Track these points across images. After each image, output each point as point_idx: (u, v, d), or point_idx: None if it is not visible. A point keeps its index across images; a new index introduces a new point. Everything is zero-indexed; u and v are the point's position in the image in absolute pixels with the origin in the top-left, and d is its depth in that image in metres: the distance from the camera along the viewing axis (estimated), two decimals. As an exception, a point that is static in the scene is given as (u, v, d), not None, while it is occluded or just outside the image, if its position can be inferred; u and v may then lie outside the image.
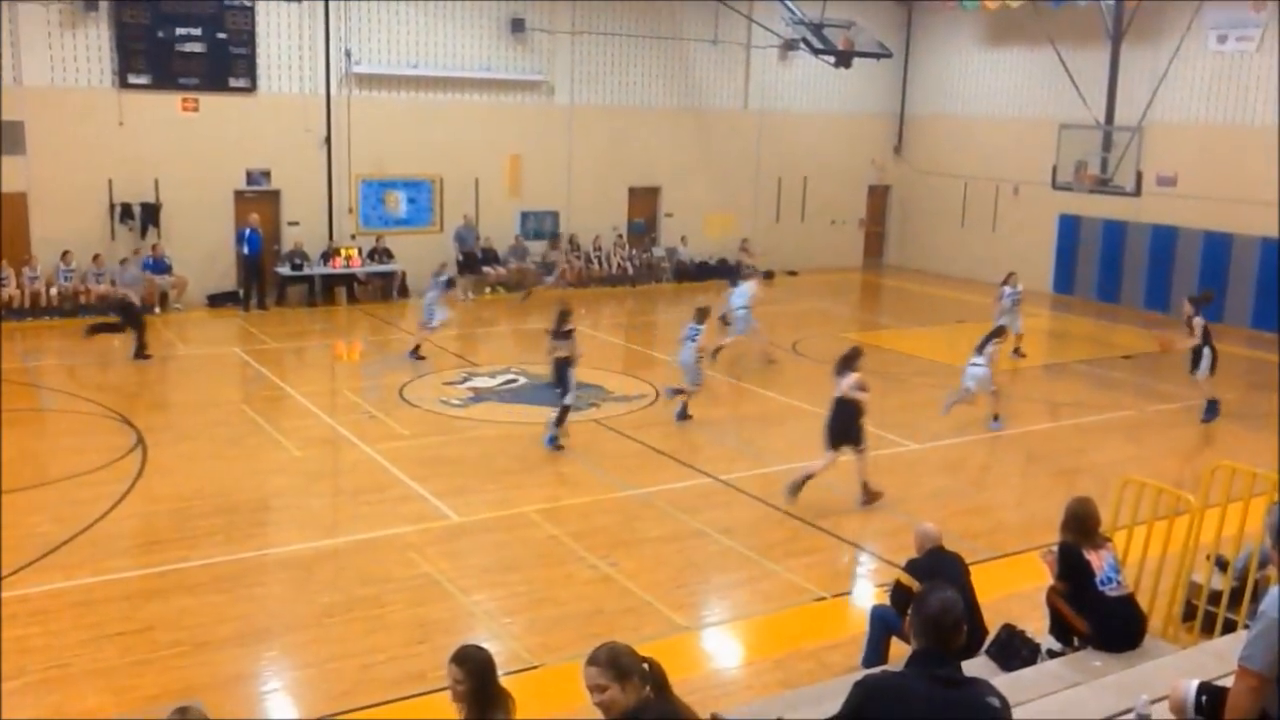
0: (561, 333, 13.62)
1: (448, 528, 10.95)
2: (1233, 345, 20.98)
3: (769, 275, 22.11)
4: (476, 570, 10.02)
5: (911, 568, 7.81)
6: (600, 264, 25.90)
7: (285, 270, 22.29)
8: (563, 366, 13.59)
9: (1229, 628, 7.93)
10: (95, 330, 17.90)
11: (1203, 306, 15.81)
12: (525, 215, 25.41)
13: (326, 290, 22.79)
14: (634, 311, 24.10)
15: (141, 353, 17.60)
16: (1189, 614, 8.46)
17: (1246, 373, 19.19)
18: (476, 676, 4.78)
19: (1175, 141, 23.73)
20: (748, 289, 18.64)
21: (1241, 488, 8.19)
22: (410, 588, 9.51)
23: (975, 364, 14.91)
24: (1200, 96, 23.64)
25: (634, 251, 26.41)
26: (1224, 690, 4.68)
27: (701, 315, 15.09)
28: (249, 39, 21.80)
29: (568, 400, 13.64)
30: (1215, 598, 8.23)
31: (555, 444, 13.54)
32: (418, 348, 18.19)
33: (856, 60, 24.65)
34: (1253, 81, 22.78)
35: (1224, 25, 23.06)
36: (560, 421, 13.65)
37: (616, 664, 4.38)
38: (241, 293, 21.85)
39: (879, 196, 30.92)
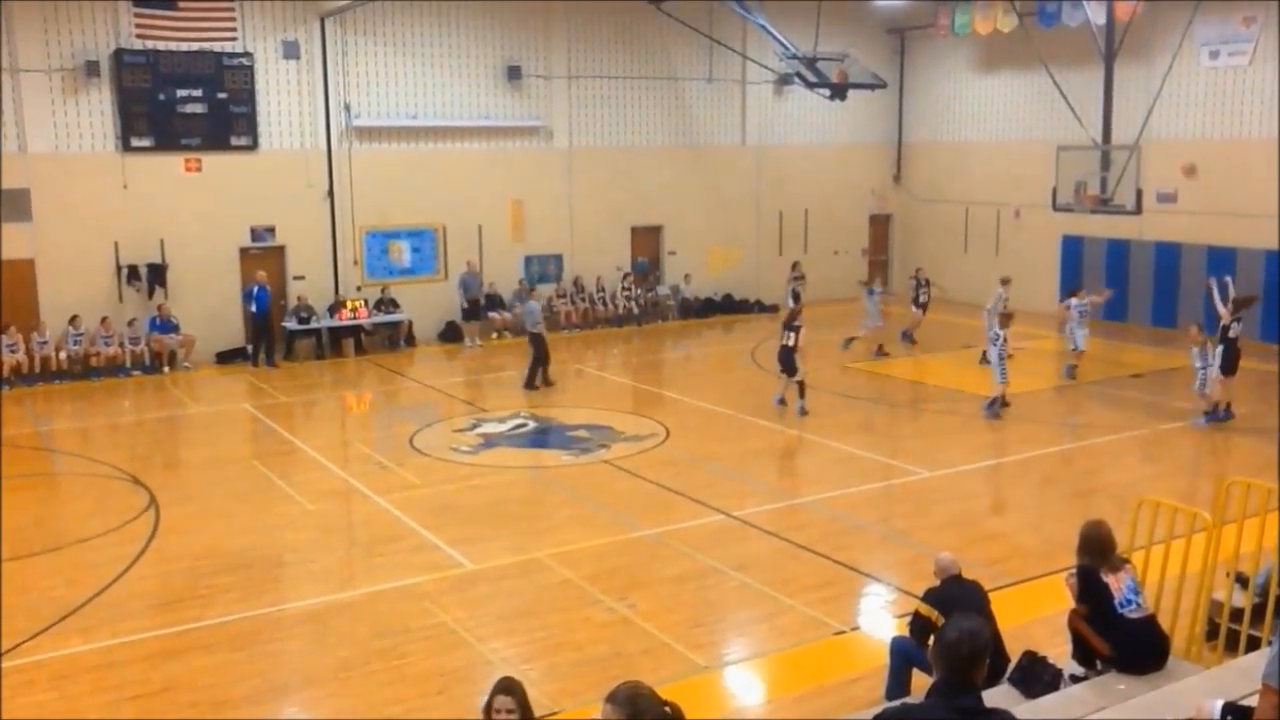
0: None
1: (462, 576, 10.92)
2: (1241, 358, 20.93)
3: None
4: (493, 618, 9.98)
5: (930, 597, 7.78)
6: (605, 304, 25.95)
7: (292, 324, 22.39)
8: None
9: (1253, 645, 7.86)
10: None
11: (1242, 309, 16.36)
12: (529, 259, 25.52)
13: (334, 343, 22.87)
14: (641, 351, 24.12)
15: None
16: (1212, 633, 8.37)
17: (1258, 385, 19.11)
18: (525, 706, 4.79)
19: (1173, 158, 23.78)
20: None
21: (1257, 503, 8.14)
22: (427, 638, 9.48)
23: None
24: (1195, 112, 23.73)
25: (638, 291, 26.48)
26: (1249, 709, 4.64)
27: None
28: (249, 97, 22.03)
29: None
30: (1237, 615, 8.16)
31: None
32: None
33: (852, 91, 24.76)
34: (1247, 95, 22.88)
35: (1215, 41, 23.19)
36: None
37: (634, 704, 4.35)
38: (250, 349, 21.93)
39: (880, 225, 30.99)
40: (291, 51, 22.41)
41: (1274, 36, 22.21)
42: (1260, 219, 22.33)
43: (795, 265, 25.79)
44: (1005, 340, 17.11)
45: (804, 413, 17.14)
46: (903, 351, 22.46)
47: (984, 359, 19.14)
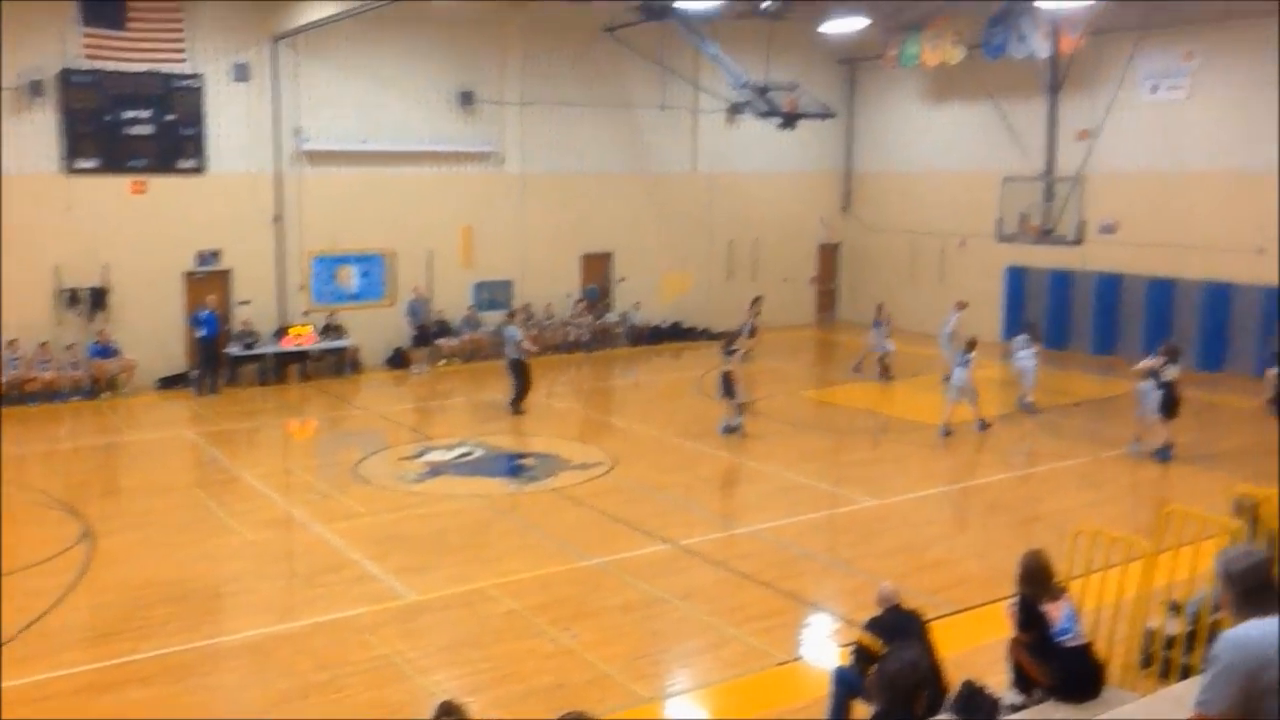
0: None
1: (405, 607, 10.79)
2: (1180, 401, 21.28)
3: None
4: (435, 649, 9.87)
5: (872, 627, 7.80)
6: (556, 331, 25.89)
7: (237, 350, 22.12)
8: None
9: (1186, 672, 7.95)
10: None
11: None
12: (479, 286, 25.44)
13: (279, 369, 22.61)
14: (590, 378, 24.10)
15: None
16: (1147, 660, 8.47)
17: (1194, 413, 19.43)
18: None
19: (1115, 190, 24.23)
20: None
21: (1193, 531, 8.25)
22: (368, 670, 9.35)
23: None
24: (1137, 145, 24.17)
25: (588, 318, 26.46)
26: (1180, 739, 4.68)
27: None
28: (197, 119, 21.82)
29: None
30: (1172, 643, 8.26)
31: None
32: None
33: (802, 120, 25.02)
34: (1185, 129, 23.36)
35: (1156, 75, 23.68)
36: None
37: None
38: (195, 375, 21.61)
39: (829, 253, 31.26)
40: (242, 74, 22.25)
41: (1213, 71, 22.74)
42: (1198, 250, 22.81)
43: (756, 300, 25.75)
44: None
45: (732, 431, 17.53)
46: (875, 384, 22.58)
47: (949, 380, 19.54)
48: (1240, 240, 22.25)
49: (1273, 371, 19.20)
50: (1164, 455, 16.09)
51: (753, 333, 23.35)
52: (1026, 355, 19.71)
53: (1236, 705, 4.37)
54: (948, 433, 17.57)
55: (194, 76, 21.70)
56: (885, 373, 22.55)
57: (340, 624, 10.35)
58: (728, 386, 17.63)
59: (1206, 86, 22.92)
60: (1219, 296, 22.75)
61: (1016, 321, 26.11)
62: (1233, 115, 22.53)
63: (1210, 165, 22.87)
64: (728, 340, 18.28)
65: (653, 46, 25.29)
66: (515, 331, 20.00)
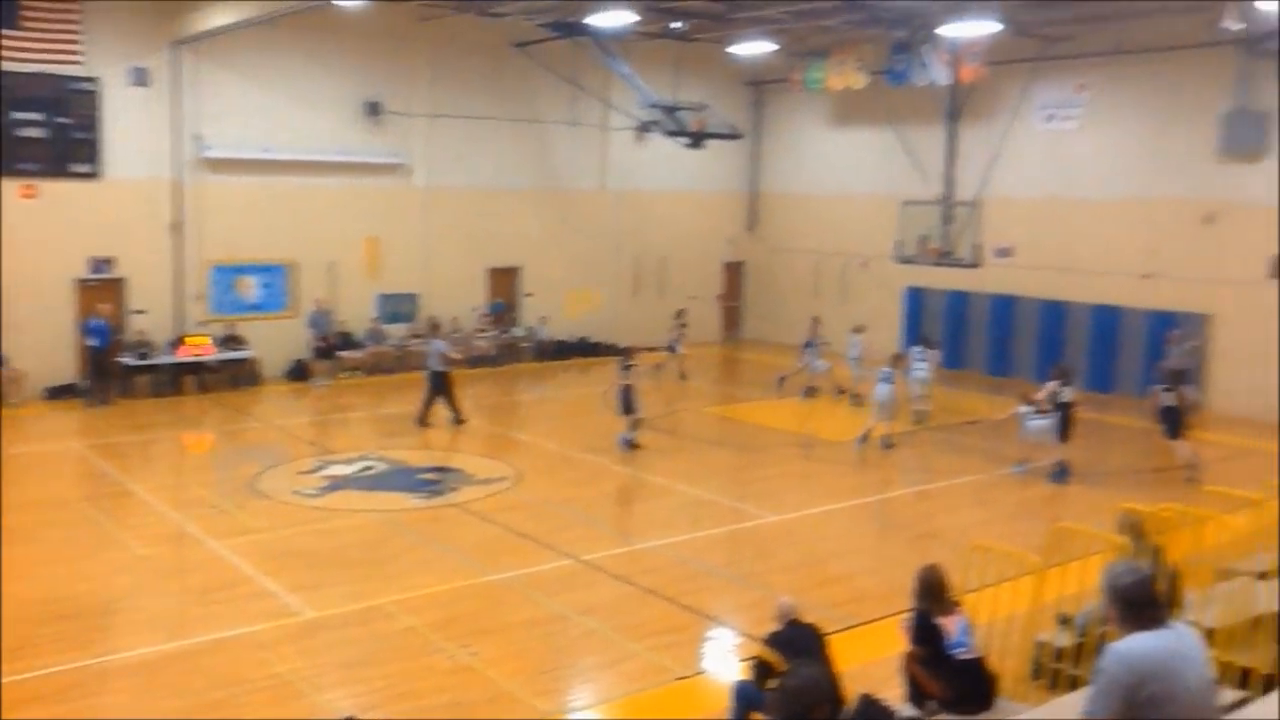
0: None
1: (302, 624, 10.59)
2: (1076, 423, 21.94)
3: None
4: (332, 667, 9.70)
5: (771, 642, 7.88)
6: (461, 345, 25.67)
7: (131, 360, 21.51)
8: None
9: (1075, 684, 8.19)
10: None
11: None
12: (384, 298, 25.16)
13: (175, 380, 22.04)
14: (495, 393, 23.97)
15: None
16: (1037, 672, 8.71)
17: (1083, 433, 20.04)
18: None
19: (1010, 215, 24.94)
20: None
21: (1081, 547, 8.52)
22: (263, 689, 9.15)
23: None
24: (1032, 172, 24.95)
25: (495, 332, 26.34)
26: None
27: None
28: (93, 123, 21.23)
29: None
30: (1061, 655, 8.51)
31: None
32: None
33: (710, 140, 25.30)
34: (1077, 158, 24.19)
35: (1050, 105, 24.47)
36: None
37: None
38: (86, 385, 20.94)
39: (735, 272, 31.59)
40: (140, 78, 21.72)
41: (1103, 103, 23.59)
42: (1089, 274, 23.59)
43: (680, 313, 25.84)
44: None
45: (631, 446, 17.65)
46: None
47: (854, 399, 20.75)
48: (1129, 265, 23.09)
49: (1161, 390, 19.88)
50: (1060, 476, 16.46)
51: (675, 347, 24.08)
52: (921, 367, 20.50)
53: (1120, 716, 4.53)
54: (864, 440, 18.09)
55: (90, 79, 21.12)
56: (812, 392, 22.75)
57: (236, 641, 10.12)
58: (626, 401, 17.72)
59: (1098, 117, 23.78)
60: (1108, 319, 23.53)
61: (915, 340, 26.74)
62: (1122, 145, 23.41)
63: (1101, 193, 23.72)
64: (625, 355, 18.36)
65: (563, 63, 25.35)
66: (442, 344, 20.05)
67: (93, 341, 20.63)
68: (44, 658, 9.68)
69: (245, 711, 8.77)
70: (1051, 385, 16.75)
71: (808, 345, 22.96)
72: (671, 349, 24.63)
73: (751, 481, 17.07)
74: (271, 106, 23.26)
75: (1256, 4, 17.14)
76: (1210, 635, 7.48)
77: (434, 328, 21.75)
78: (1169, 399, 16.71)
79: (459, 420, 19.56)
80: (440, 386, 19.62)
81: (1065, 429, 16.58)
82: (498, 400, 23.47)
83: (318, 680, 9.36)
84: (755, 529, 14.02)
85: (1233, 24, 18.38)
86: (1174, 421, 16.63)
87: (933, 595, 7.50)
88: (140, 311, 22.12)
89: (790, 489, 15.92)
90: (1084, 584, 8.50)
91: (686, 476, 16.45)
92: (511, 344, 26.59)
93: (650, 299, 29.31)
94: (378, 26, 23.80)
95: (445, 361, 19.70)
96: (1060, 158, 24.47)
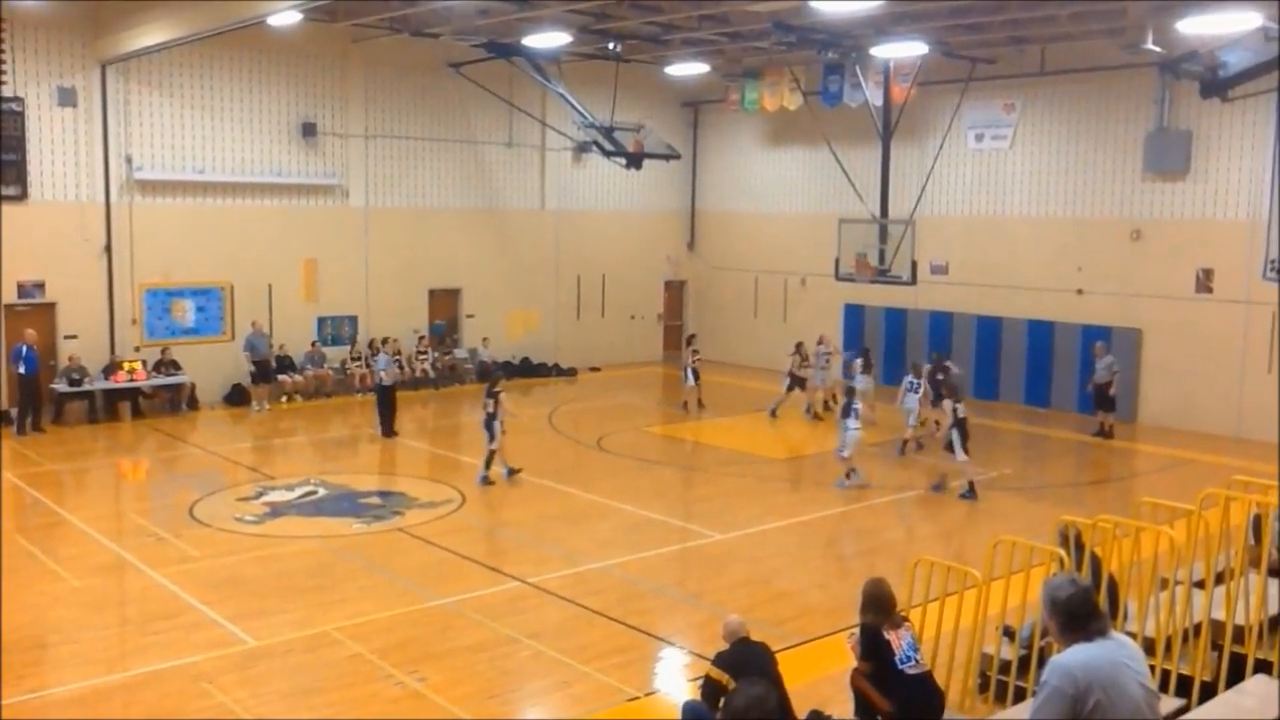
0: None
1: (244, 653, 10.42)
2: (1006, 421, 22.36)
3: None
4: (276, 696, 9.54)
5: (720, 661, 7.89)
6: (401, 368, 25.47)
7: (63, 387, 21.06)
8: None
9: (1020, 695, 8.32)
10: None
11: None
12: (322, 320, 24.91)
13: (109, 406, 21.62)
14: (437, 415, 23.82)
15: None
16: (984, 685, 8.82)
17: (1022, 446, 20.41)
18: None
19: (945, 233, 25.36)
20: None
21: (1022, 560, 8.65)
22: (205, 720, 8.99)
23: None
24: (964, 191, 25.44)
25: (435, 354, 26.17)
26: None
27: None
28: (19, 144, 20.80)
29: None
30: (1006, 667, 8.63)
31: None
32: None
33: (647, 160, 25.43)
34: (1008, 176, 24.71)
35: (980, 125, 24.97)
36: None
37: None
38: (15, 413, 20.45)
39: (675, 291, 31.74)
40: (67, 99, 21.36)
41: (1032, 122, 24.11)
42: (1022, 290, 24.05)
43: (691, 339, 25.25)
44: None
45: (487, 481, 16.89)
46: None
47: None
48: (1061, 281, 23.57)
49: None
50: (969, 494, 16.47)
51: (691, 376, 23.32)
52: (863, 379, 21.25)
53: (1065, 726, 4.60)
54: (902, 450, 19.36)
55: (15, 99, 20.67)
56: (821, 408, 23.13)
57: (176, 672, 9.92)
58: (490, 430, 17.12)
59: (1027, 137, 24.32)
60: (1042, 334, 23.98)
61: (856, 354, 27.05)
62: (1051, 164, 23.95)
63: (1031, 210, 24.25)
64: (491, 383, 17.79)
65: (500, 83, 25.34)
66: (385, 359, 21.16)
67: (20, 368, 20.13)
68: (-24, 695, 9.43)
69: (188, 744, 8.60)
70: (948, 404, 16.74)
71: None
72: (687, 375, 23.57)
73: (696, 500, 17.13)
74: (205, 127, 22.98)
75: (1176, 26, 17.61)
76: (1150, 644, 7.64)
77: (382, 343, 23.08)
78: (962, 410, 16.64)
79: (387, 433, 20.34)
80: (386, 399, 20.60)
81: (965, 442, 16.45)
82: (440, 422, 23.32)
83: (261, 710, 9.21)
84: (701, 547, 14.06)
85: (1151, 46, 18.86)
86: (963, 431, 16.49)
87: (880, 607, 7.57)
88: (71, 337, 21.69)
89: (734, 507, 15.97)
90: (1026, 596, 8.63)
91: (631, 496, 16.44)
92: (453, 365, 26.43)
93: (592, 319, 29.33)
94: (311, 47, 23.66)
95: (389, 374, 20.78)
96: (992, 176, 24.99)
